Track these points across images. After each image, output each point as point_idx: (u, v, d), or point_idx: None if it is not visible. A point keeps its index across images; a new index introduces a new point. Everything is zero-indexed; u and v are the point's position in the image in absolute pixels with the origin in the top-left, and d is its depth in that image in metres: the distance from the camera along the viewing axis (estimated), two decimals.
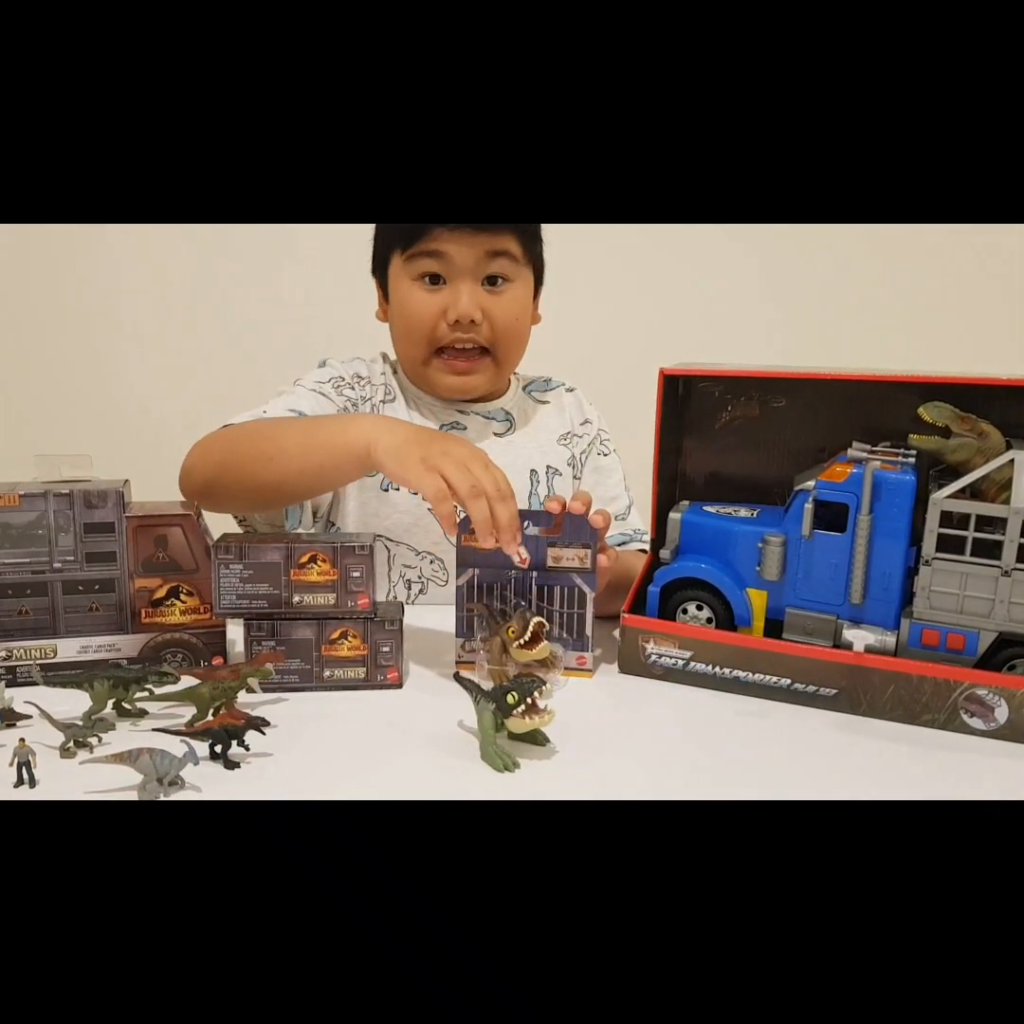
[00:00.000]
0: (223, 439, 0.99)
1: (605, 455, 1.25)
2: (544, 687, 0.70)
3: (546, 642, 0.79)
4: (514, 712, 0.69)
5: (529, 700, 0.69)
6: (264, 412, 1.05)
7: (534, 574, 0.87)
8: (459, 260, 1.06)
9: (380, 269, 1.16)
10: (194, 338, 1.77)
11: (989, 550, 0.76)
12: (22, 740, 0.63)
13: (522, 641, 0.78)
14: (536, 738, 0.71)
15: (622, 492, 1.24)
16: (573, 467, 1.23)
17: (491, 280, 1.09)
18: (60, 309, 1.74)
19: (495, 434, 1.19)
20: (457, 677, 0.78)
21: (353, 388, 1.14)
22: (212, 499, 0.96)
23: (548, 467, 1.20)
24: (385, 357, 1.22)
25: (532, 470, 1.18)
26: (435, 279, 1.08)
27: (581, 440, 1.24)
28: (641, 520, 1.21)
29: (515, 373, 1.25)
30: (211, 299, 1.76)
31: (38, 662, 0.79)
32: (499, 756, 0.68)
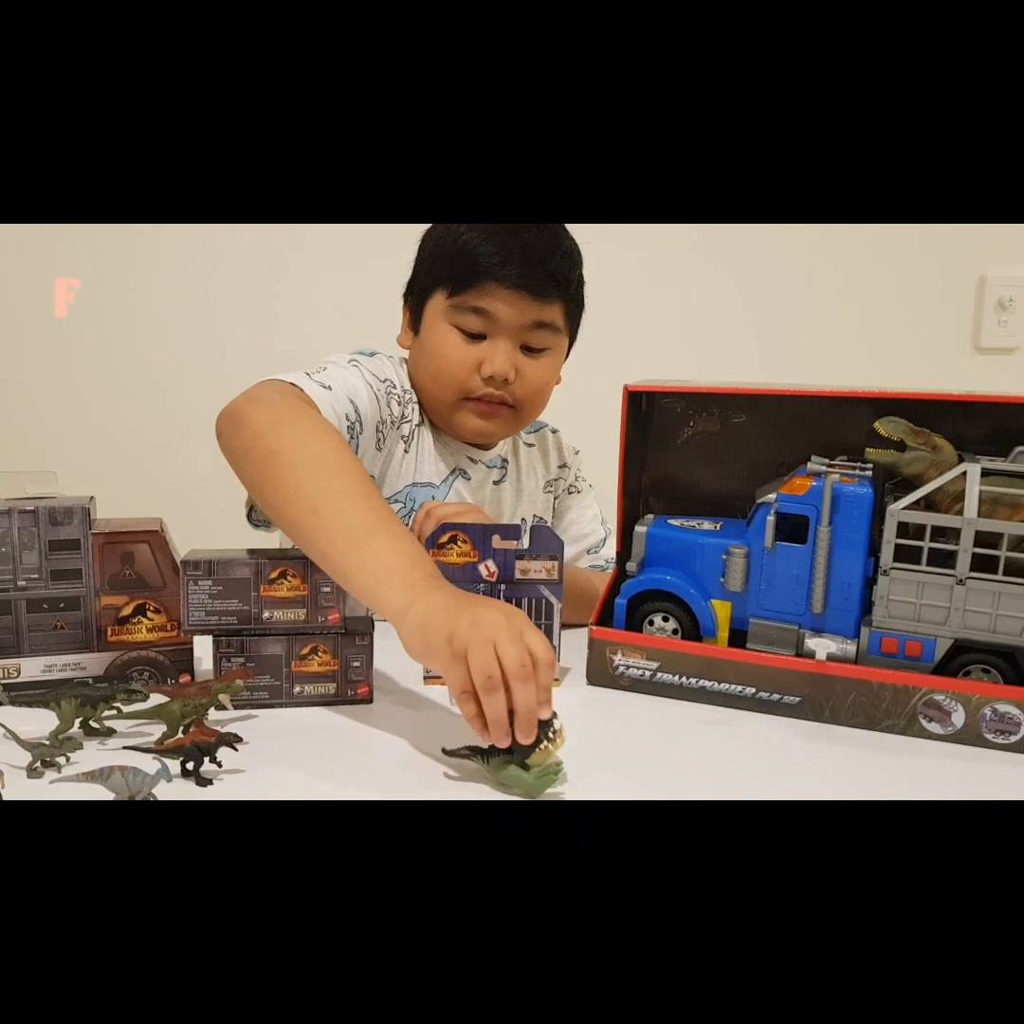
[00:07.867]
0: (269, 429, 0.83)
1: (578, 492, 1.26)
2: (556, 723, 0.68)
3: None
4: (537, 748, 0.67)
5: (550, 735, 0.67)
6: (330, 389, 0.96)
7: (502, 586, 0.88)
8: (505, 321, 1.03)
9: (416, 298, 1.10)
10: (160, 352, 1.74)
11: (944, 560, 0.79)
12: None
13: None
14: None
15: (597, 526, 1.25)
16: (553, 512, 1.25)
17: (529, 347, 1.07)
18: (22, 321, 1.70)
19: (494, 483, 1.18)
20: (445, 751, 0.71)
21: (399, 403, 1.09)
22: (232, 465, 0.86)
23: (536, 517, 1.21)
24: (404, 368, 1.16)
25: (522, 520, 1.19)
26: (477, 335, 1.05)
27: (558, 484, 1.26)
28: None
29: None
30: (180, 311, 1.73)
31: (1, 682, 0.78)
32: (543, 778, 0.66)
